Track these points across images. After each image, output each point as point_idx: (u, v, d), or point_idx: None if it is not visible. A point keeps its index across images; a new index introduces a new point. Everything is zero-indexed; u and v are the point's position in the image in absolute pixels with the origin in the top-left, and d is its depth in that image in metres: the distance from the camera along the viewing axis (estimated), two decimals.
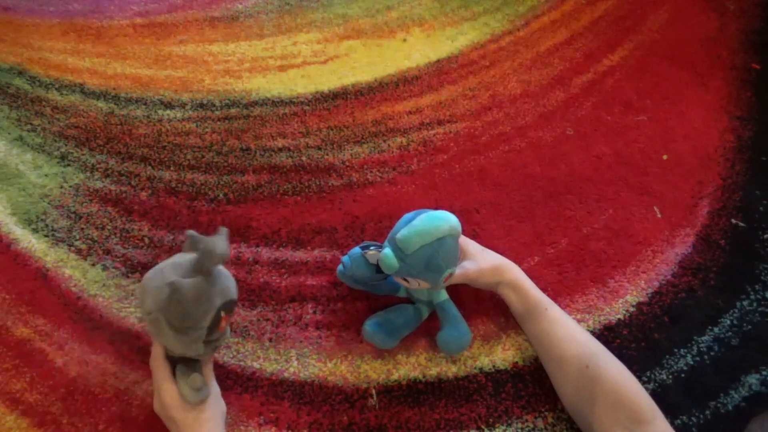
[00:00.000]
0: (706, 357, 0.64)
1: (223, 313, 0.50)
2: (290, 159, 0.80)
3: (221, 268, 0.52)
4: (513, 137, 0.84)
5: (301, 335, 0.64)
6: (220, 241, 0.49)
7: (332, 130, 0.84)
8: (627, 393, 0.53)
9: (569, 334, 0.58)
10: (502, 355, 0.64)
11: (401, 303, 0.64)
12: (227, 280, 0.51)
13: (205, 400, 0.51)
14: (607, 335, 0.66)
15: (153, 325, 0.49)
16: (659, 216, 0.76)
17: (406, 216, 0.57)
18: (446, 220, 0.54)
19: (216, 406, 0.52)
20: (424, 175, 0.79)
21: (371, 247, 0.59)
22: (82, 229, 0.71)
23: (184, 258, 0.51)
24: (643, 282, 0.70)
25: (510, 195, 0.78)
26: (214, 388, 0.54)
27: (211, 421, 0.51)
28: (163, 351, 0.52)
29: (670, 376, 0.63)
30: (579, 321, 0.66)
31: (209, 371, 0.54)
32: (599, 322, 0.67)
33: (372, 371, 0.62)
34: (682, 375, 0.63)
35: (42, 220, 0.72)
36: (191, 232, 0.52)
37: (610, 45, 0.99)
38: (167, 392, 0.51)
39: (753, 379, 0.63)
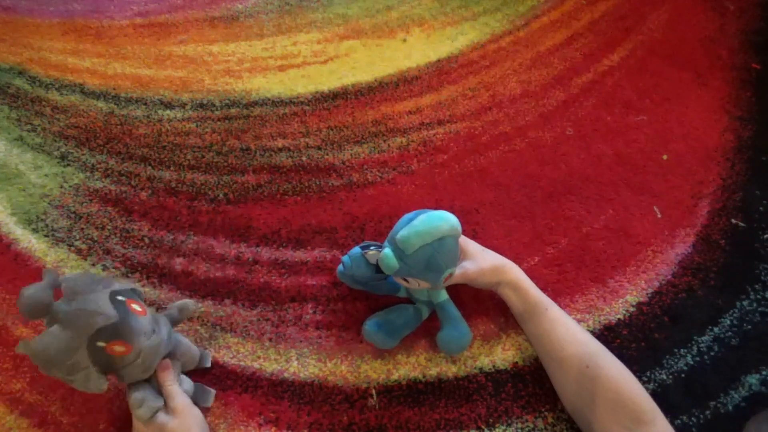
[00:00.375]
0: (706, 357, 0.64)
1: (101, 344, 0.47)
2: (290, 159, 0.80)
3: (92, 296, 0.48)
4: (513, 137, 0.84)
5: (301, 335, 0.64)
6: (36, 292, 0.46)
7: (332, 130, 0.84)
8: (627, 393, 0.53)
9: (569, 334, 0.58)
10: (502, 355, 0.64)
11: (401, 303, 0.64)
12: (83, 312, 0.47)
13: (157, 410, 0.51)
14: (607, 335, 0.66)
15: None
16: (659, 216, 0.76)
17: (406, 216, 0.57)
18: (446, 220, 0.54)
19: (185, 416, 0.52)
20: (424, 175, 0.79)
21: (371, 247, 0.59)
22: (82, 229, 0.71)
23: (42, 305, 0.48)
24: (643, 282, 0.70)
25: (510, 195, 0.78)
26: (182, 398, 0.53)
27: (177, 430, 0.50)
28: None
29: (670, 376, 0.63)
30: (579, 321, 0.66)
31: (167, 383, 0.53)
32: (599, 322, 0.67)
33: (372, 371, 0.62)
34: (682, 375, 0.63)
35: (42, 220, 0.72)
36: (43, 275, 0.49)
37: (610, 45, 0.99)
38: (133, 420, 0.51)
39: (753, 379, 0.63)
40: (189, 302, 0.59)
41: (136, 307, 0.51)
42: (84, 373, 0.47)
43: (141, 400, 0.50)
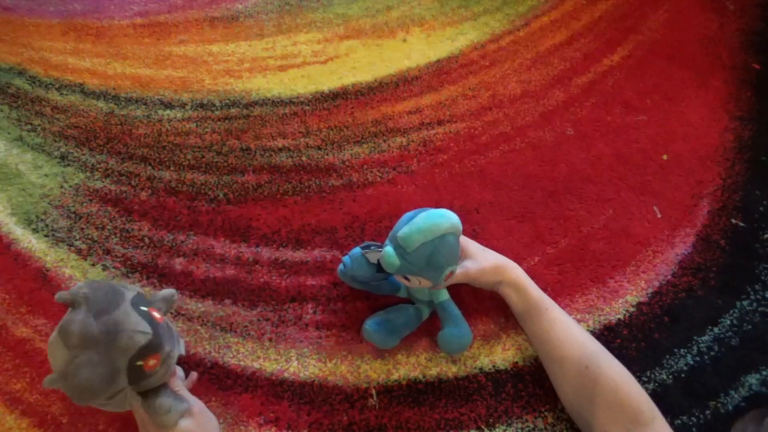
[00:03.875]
0: (706, 357, 0.64)
1: (139, 362, 0.46)
2: (290, 159, 0.80)
3: (116, 313, 0.47)
4: (513, 137, 0.84)
5: (301, 335, 0.64)
6: (75, 319, 0.44)
7: (332, 130, 0.84)
8: (627, 394, 0.53)
9: (569, 335, 0.58)
10: (502, 355, 0.64)
11: (401, 303, 0.64)
12: (121, 334, 0.45)
13: (183, 415, 0.50)
14: (607, 335, 0.66)
15: None
16: (659, 216, 0.76)
17: (407, 214, 0.57)
18: (447, 217, 0.54)
19: (201, 419, 0.51)
20: (424, 175, 0.79)
21: (371, 247, 0.59)
22: (82, 229, 0.71)
23: (72, 330, 0.45)
24: (643, 282, 0.70)
25: (510, 195, 0.78)
26: (197, 401, 0.53)
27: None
28: None
29: (670, 376, 0.63)
30: (579, 321, 0.66)
31: (177, 387, 0.52)
32: (599, 322, 0.67)
33: (372, 371, 0.62)
34: (682, 375, 0.63)
35: (42, 220, 0.72)
36: (60, 296, 0.46)
37: (610, 45, 0.99)
38: (142, 425, 0.50)
39: (753, 379, 0.63)
40: (172, 292, 0.55)
41: (156, 314, 0.50)
42: (122, 395, 0.46)
43: (168, 407, 0.48)
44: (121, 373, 0.45)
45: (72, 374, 0.44)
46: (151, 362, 0.47)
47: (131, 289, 0.51)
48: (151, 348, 0.47)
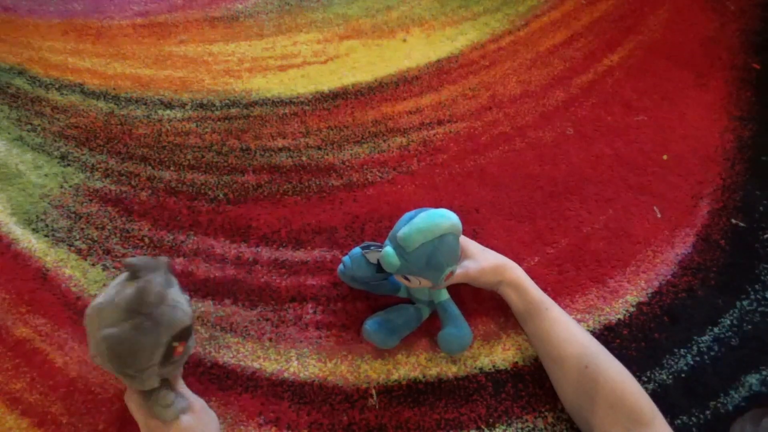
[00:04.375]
0: (706, 357, 0.64)
1: (175, 344, 0.47)
2: (290, 159, 0.80)
3: (170, 291, 0.49)
4: (513, 137, 0.84)
5: (301, 335, 0.64)
6: (155, 281, 0.46)
7: (332, 130, 0.84)
8: (626, 393, 0.53)
9: (569, 334, 0.58)
10: (502, 355, 0.64)
11: (401, 303, 0.64)
12: (174, 309, 0.47)
13: (184, 412, 0.50)
14: (607, 335, 0.66)
15: (102, 366, 0.47)
16: (659, 216, 0.76)
17: (407, 214, 0.57)
18: (447, 217, 0.54)
19: (201, 416, 0.51)
20: (424, 175, 0.79)
21: (371, 248, 0.59)
22: (82, 229, 0.71)
23: (124, 294, 0.47)
24: (643, 282, 0.70)
25: (510, 195, 0.78)
26: (198, 398, 0.53)
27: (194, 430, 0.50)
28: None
29: (670, 376, 0.63)
30: (579, 321, 0.66)
31: (180, 386, 0.53)
32: (599, 322, 0.67)
33: (372, 371, 0.62)
34: (682, 375, 0.63)
35: (42, 220, 0.72)
36: (129, 261, 0.48)
37: (610, 45, 0.99)
38: (144, 422, 0.50)
39: (753, 379, 0.63)
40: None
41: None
42: (149, 372, 0.47)
43: (171, 400, 0.49)
44: (160, 347, 0.46)
45: (121, 331, 0.44)
46: (180, 348, 0.48)
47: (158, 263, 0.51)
48: (187, 332, 0.49)
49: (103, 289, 0.48)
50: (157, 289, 0.46)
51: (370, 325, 0.61)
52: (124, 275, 0.50)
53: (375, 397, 0.60)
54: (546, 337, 0.59)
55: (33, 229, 0.71)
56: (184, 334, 0.48)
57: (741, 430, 0.56)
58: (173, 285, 0.50)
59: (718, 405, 0.61)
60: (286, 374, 0.61)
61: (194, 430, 0.50)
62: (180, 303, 0.49)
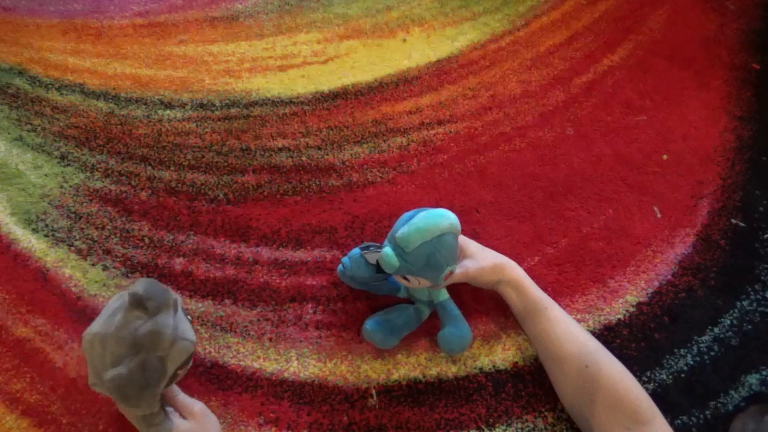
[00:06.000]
0: (706, 357, 0.64)
1: (180, 371, 0.47)
2: (290, 159, 0.80)
3: (179, 317, 0.48)
4: (513, 137, 0.84)
5: (301, 335, 0.64)
6: (167, 324, 0.45)
7: (332, 130, 0.84)
8: (626, 393, 0.53)
9: (569, 334, 0.58)
10: (502, 354, 0.64)
11: (401, 303, 0.64)
12: (182, 342, 0.47)
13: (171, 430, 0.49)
14: (607, 335, 0.66)
15: (102, 394, 0.47)
16: (659, 216, 0.76)
17: (406, 214, 0.57)
18: (446, 217, 0.54)
19: (202, 420, 0.51)
20: (424, 175, 0.79)
21: (371, 248, 0.59)
22: (82, 229, 0.71)
23: (131, 328, 0.46)
24: (643, 282, 0.70)
25: (510, 195, 0.78)
26: (198, 403, 0.53)
27: None
28: None
29: (670, 376, 0.63)
30: (579, 321, 0.66)
31: (175, 399, 0.52)
32: (599, 322, 0.67)
33: (372, 371, 0.62)
34: (682, 375, 0.63)
35: (42, 220, 0.72)
36: (135, 291, 0.47)
37: (610, 45, 0.99)
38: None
39: (753, 379, 0.63)
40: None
41: None
42: (152, 400, 0.46)
43: (161, 419, 0.48)
44: (167, 376, 0.46)
45: (131, 377, 0.43)
46: (183, 372, 0.48)
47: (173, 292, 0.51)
48: (190, 358, 0.48)
49: (101, 290, 0.47)
50: (169, 332, 0.45)
51: (370, 325, 0.61)
52: (124, 298, 0.48)
53: (375, 397, 0.60)
54: (546, 336, 0.59)
55: (33, 229, 0.71)
56: (187, 361, 0.48)
57: (743, 427, 0.56)
58: (178, 309, 0.49)
59: (718, 405, 0.61)
60: (286, 374, 0.61)
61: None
62: (186, 331, 0.48)
